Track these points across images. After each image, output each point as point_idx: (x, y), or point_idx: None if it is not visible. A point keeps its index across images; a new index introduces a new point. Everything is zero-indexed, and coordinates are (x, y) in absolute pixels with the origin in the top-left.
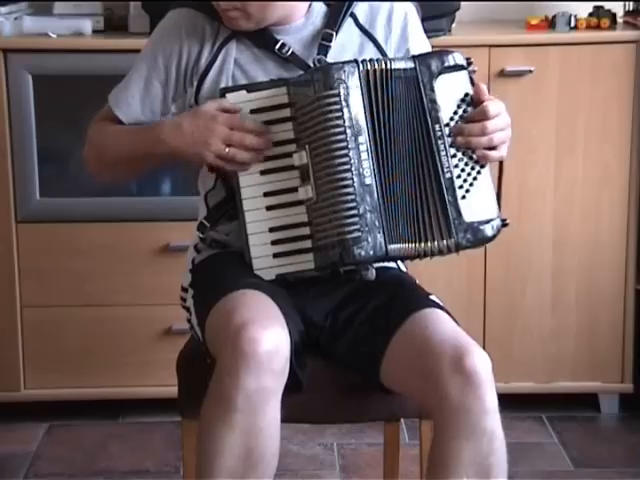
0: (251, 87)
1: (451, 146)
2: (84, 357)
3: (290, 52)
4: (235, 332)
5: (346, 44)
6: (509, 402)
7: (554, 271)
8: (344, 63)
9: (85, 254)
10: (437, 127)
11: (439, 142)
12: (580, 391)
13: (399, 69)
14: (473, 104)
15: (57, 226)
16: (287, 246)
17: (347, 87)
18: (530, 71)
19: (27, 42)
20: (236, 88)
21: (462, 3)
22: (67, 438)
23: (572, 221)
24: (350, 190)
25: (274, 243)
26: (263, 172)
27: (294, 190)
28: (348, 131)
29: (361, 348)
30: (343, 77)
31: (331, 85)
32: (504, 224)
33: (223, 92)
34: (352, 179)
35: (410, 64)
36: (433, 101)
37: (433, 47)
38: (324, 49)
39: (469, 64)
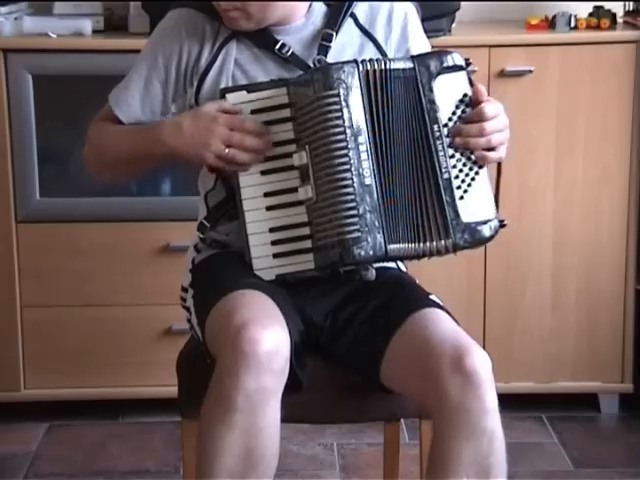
0: (251, 87)
1: (449, 146)
2: (84, 357)
3: (290, 52)
4: (235, 332)
5: (346, 44)
6: (509, 402)
7: (554, 271)
8: (344, 63)
9: (85, 254)
10: (435, 127)
11: (437, 142)
12: (580, 391)
13: (398, 69)
14: (472, 105)
15: (57, 226)
16: (287, 246)
17: (347, 87)
18: (530, 71)
19: (27, 42)
20: (236, 88)
21: (462, 3)
22: (67, 438)
23: (572, 221)
24: (350, 190)
25: (274, 243)
26: (263, 172)
27: (294, 190)
28: (348, 131)
29: (361, 348)
30: (343, 77)
31: (331, 85)
32: (502, 225)
33: (223, 92)
34: (352, 179)
35: (409, 64)
36: (432, 101)
37: (433, 47)
38: (324, 49)
39: (468, 65)
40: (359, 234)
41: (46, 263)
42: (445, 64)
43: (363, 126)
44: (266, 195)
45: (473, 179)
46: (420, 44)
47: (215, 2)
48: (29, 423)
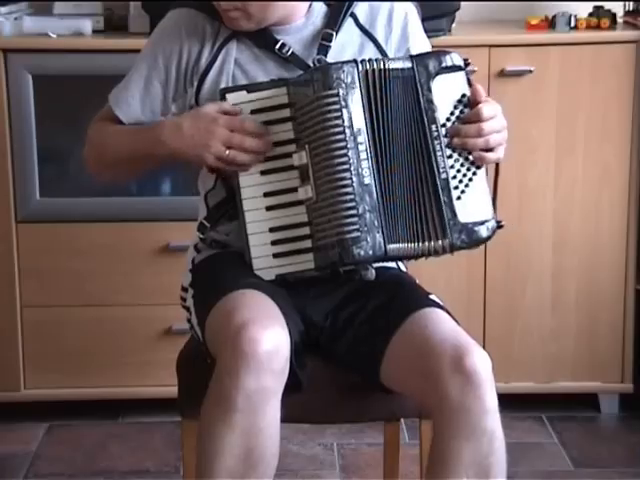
0: (251, 87)
1: (447, 147)
2: (84, 357)
3: (290, 52)
4: (235, 332)
5: (346, 44)
6: (509, 402)
7: (554, 271)
8: (343, 63)
9: (85, 254)
10: (433, 127)
11: (435, 142)
12: (580, 391)
13: (397, 69)
14: (470, 105)
15: (57, 226)
16: (287, 246)
17: (346, 87)
18: (530, 71)
19: (27, 42)
20: (236, 88)
21: (462, 3)
22: (67, 438)
23: (572, 221)
24: (349, 190)
25: (274, 243)
26: (263, 172)
27: (294, 190)
28: (347, 131)
29: (361, 348)
30: (342, 77)
31: (330, 85)
32: (499, 226)
33: (223, 92)
34: (351, 179)
35: (408, 64)
36: (430, 101)
37: (433, 47)
38: (324, 49)
39: (467, 65)
40: (358, 234)
41: (46, 263)
42: (444, 64)
43: (362, 126)
44: (266, 195)
45: (471, 179)
46: (420, 44)
47: (215, 2)
48: (29, 423)
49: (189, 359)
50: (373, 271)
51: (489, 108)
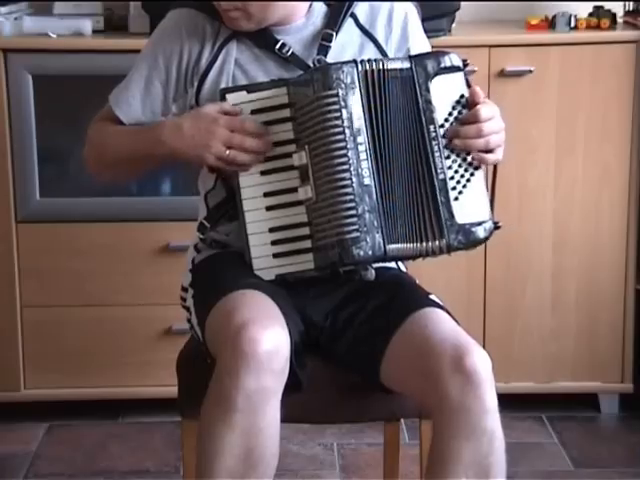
0: (251, 87)
1: (445, 147)
2: (84, 357)
3: (290, 52)
4: (235, 332)
5: (346, 44)
6: (509, 402)
7: (554, 271)
8: (343, 63)
9: (85, 254)
10: (432, 128)
11: (433, 143)
12: (580, 391)
13: (395, 69)
14: (468, 106)
15: (57, 226)
16: (287, 246)
17: (346, 87)
18: (530, 71)
19: (27, 42)
20: (236, 89)
21: (462, 3)
22: (67, 438)
23: (572, 221)
24: (349, 190)
25: (274, 243)
26: (263, 172)
27: (294, 190)
28: (347, 131)
29: (361, 348)
30: (342, 77)
31: (330, 85)
32: (496, 227)
33: (223, 93)
34: (351, 179)
35: (406, 64)
36: (428, 102)
37: (433, 47)
38: (324, 49)
39: (465, 65)
40: (358, 234)
41: (46, 263)
42: (442, 65)
43: (362, 126)
44: (266, 195)
45: (468, 180)
46: (420, 44)
47: (215, 2)
48: (29, 423)
49: (189, 359)
50: (373, 271)
51: (487, 109)
